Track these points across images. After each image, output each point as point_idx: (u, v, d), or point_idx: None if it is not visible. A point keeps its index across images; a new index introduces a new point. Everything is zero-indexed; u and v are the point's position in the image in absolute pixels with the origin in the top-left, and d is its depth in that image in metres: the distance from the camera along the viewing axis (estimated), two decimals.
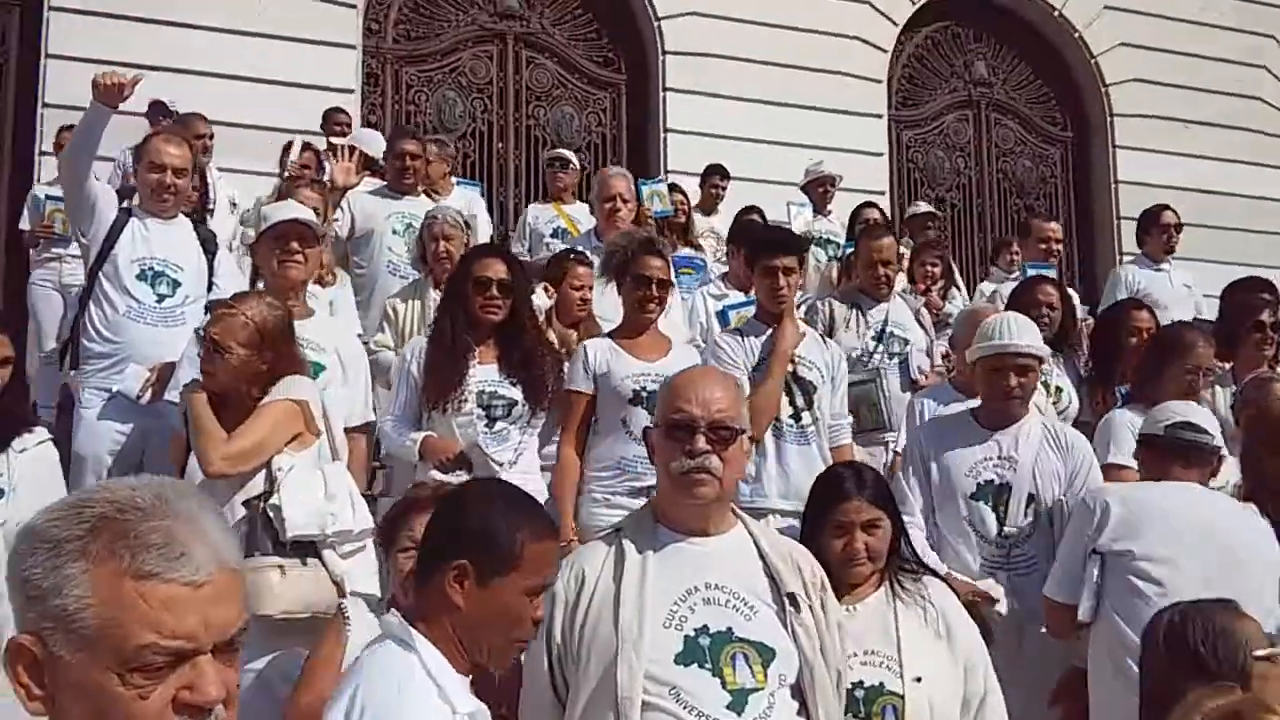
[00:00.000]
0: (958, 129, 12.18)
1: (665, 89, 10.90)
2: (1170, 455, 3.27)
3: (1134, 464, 3.83)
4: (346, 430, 3.54)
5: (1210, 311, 6.99)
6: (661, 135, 10.86)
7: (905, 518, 3.28)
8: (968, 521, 3.48)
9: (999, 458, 3.51)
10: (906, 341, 4.89)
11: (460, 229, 4.65)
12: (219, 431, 2.92)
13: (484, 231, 6.03)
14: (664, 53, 10.93)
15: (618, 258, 3.94)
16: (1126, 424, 3.93)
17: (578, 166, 7.31)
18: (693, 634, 2.15)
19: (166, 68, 8.88)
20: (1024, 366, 3.54)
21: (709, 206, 7.80)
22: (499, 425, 3.64)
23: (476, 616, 1.88)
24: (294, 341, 3.15)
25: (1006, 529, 3.46)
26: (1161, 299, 6.53)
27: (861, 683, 2.53)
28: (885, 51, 11.68)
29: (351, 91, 9.88)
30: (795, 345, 3.96)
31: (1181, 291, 6.78)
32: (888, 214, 11.17)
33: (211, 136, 6.28)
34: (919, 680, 2.53)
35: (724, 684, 2.10)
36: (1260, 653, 2.32)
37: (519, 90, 10.70)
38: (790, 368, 3.95)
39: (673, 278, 4.09)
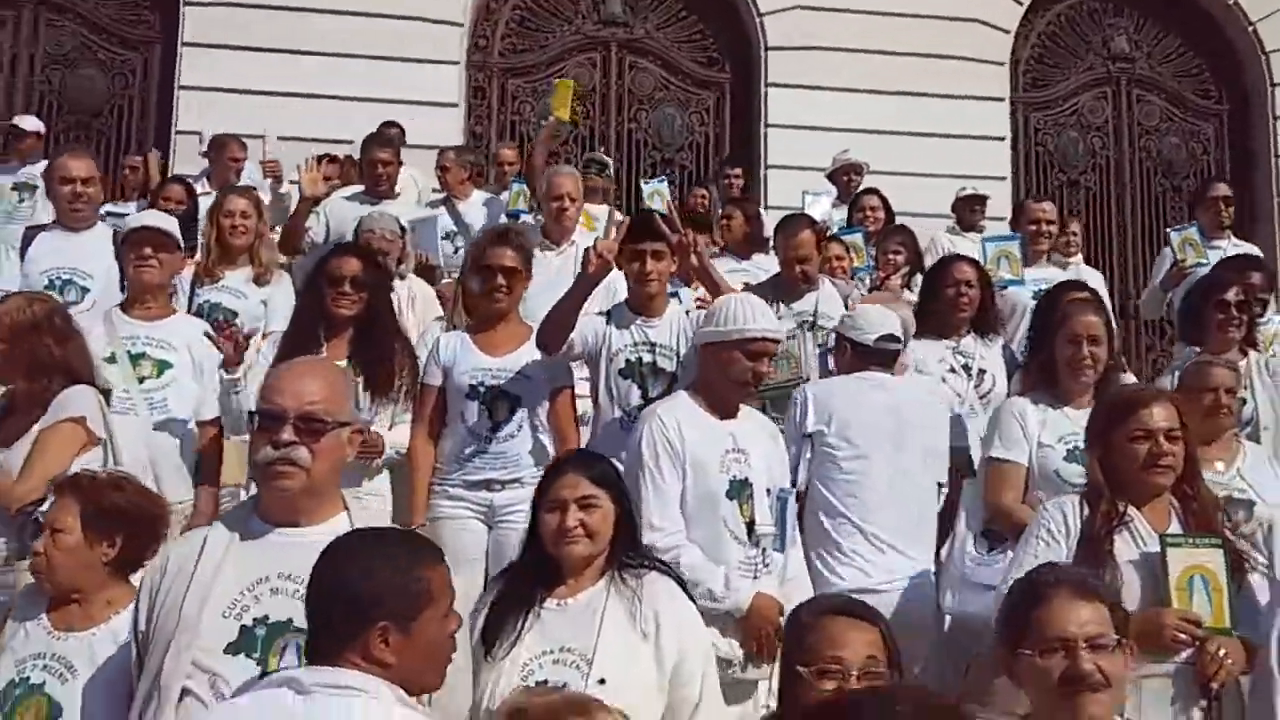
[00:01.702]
0: (1094, 108, 11.49)
1: (767, 84, 10.85)
2: (871, 358, 3.93)
3: (1018, 459, 3.67)
4: (199, 423, 3.87)
5: None
6: (762, 131, 10.81)
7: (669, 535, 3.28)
8: (724, 522, 3.33)
9: (735, 450, 3.38)
10: (829, 331, 4.78)
11: (397, 237, 4.89)
12: (3, 480, 3.15)
13: None
14: (766, 48, 10.87)
15: (474, 250, 4.07)
16: (1015, 415, 3.75)
17: (612, 172, 7.43)
18: (250, 624, 2.20)
19: (276, 92, 9.73)
20: (757, 352, 3.40)
21: (727, 199, 7.73)
22: None
23: (410, 664, 1.90)
24: (63, 338, 3.35)
25: (760, 528, 3.35)
26: None
27: (546, 682, 2.46)
28: (1007, 33, 11.16)
29: (456, 105, 10.39)
30: (599, 279, 3.89)
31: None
32: (1008, 200, 10.81)
33: (244, 159, 6.74)
34: (603, 682, 2.42)
35: (265, 673, 2.12)
36: None
37: (621, 95, 10.90)
38: (650, 357, 3.96)
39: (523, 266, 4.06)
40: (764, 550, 3.36)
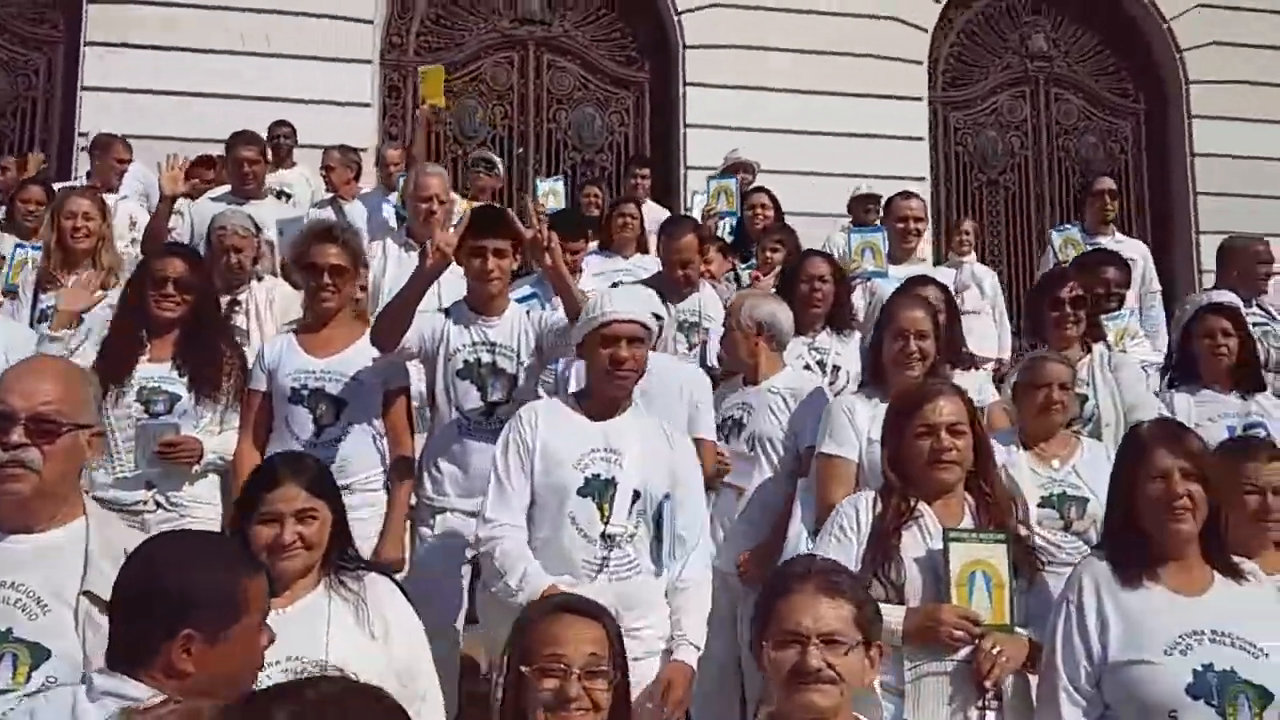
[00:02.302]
0: (1013, 107, 11.54)
1: (686, 83, 10.81)
2: None
3: (848, 455, 3.63)
4: None
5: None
6: (681, 130, 10.77)
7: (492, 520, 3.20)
8: (572, 519, 3.19)
9: (606, 449, 3.26)
10: (706, 331, 4.74)
11: (251, 235, 4.79)
12: None
13: None
14: (685, 46, 10.83)
15: (296, 248, 3.97)
16: (844, 411, 3.71)
17: (501, 170, 7.35)
18: None
19: (184, 92, 9.58)
20: (633, 337, 3.24)
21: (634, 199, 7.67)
22: (166, 420, 3.73)
23: (211, 675, 1.83)
24: None
25: (609, 528, 3.19)
26: None
27: None
28: (925, 31, 11.19)
29: (369, 105, 10.27)
30: (436, 273, 3.78)
31: None
32: (925, 199, 10.84)
33: (130, 160, 6.59)
34: None
35: None
36: None
37: (540, 95, 10.82)
38: (490, 358, 3.88)
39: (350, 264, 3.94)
40: (626, 552, 3.18)
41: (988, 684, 2.59)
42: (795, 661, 2.04)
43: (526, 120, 10.80)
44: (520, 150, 10.79)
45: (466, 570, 3.82)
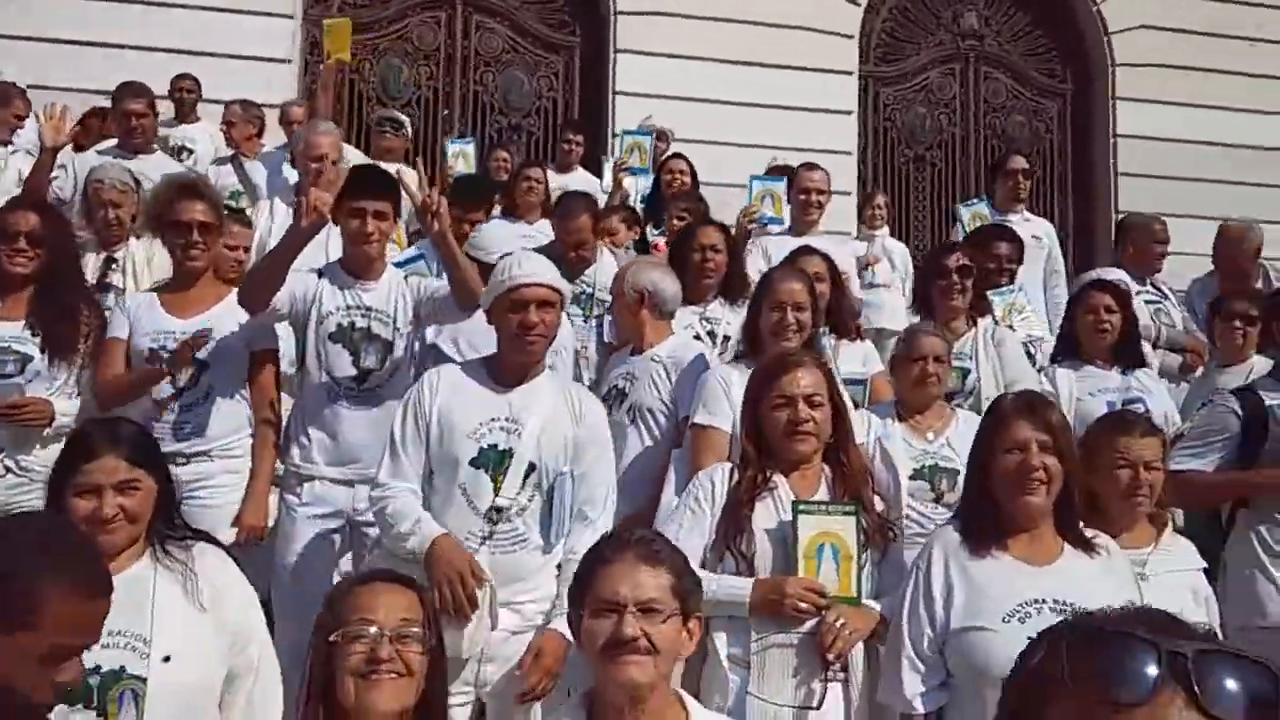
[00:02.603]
0: (942, 84, 11.58)
1: (617, 50, 10.69)
2: None
3: (721, 425, 3.59)
4: None
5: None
6: (611, 97, 10.66)
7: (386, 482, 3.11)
8: (462, 489, 3.06)
9: (506, 419, 3.09)
10: (604, 303, 4.68)
11: (130, 190, 4.63)
12: None
13: None
14: (616, 12, 10.70)
15: (157, 205, 3.84)
16: (719, 381, 3.66)
17: (409, 131, 7.20)
18: None
19: (100, 43, 9.29)
20: (543, 300, 3.11)
21: (565, 165, 7.59)
22: (12, 380, 3.61)
23: None
24: None
25: (499, 500, 3.06)
26: None
27: (99, 668, 2.23)
28: (858, 5, 11.16)
29: (289, 61, 10.05)
30: (312, 234, 3.65)
31: (1029, 243, 6.25)
32: (852, 172, 10.87)
33: (27, 114, 6.34)
34: (167, 660, 2.27)
35: None
36: None
37: (467, 55, 10.65)
38: (365, 322, 3.80)
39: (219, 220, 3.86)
40: (514, 525, 3.05)
41: (830, 655, 2.58)
42: (611, 631, 2.00)
43: (453, 81, 10.63)
44: (445, 112, 10.63)
45: (337, 539, 3.72)
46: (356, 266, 3.85)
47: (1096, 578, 2.56)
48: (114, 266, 4.52)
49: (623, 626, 1.99)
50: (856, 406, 3.81)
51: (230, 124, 6.39)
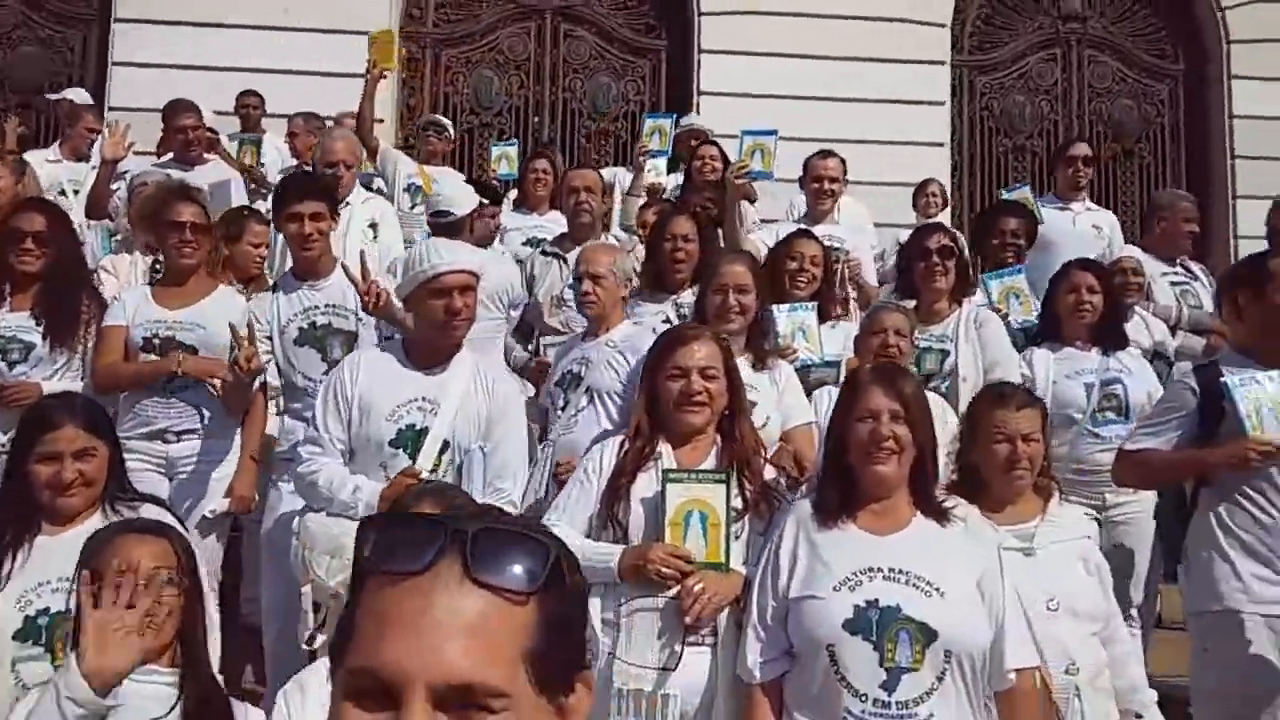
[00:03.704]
0: (1042, 70, 11.23)
1: (701, 51, 10.78)
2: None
3: None
4: None
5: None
6: (696, 98, 10.75)
7: (310, 458, 3.31)
8: (382, 468, 3.25)
9: (424, 399, 3.28)
10: None
11: None
12: None
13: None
14: (700, 13, 10.79)
15: (152, 206, 4.12)
16: None
17: (451, 134, 7.46)
18: None
19: (206, 66, 9.92)
20: (464, 286, 3.27)
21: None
22: (17, 369, 3.94)
23: None
24: None
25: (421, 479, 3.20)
26: (1057, 239, 5.93)
27: (48, 609, 2.53)
28: None
29: (385, 77, 10.46)
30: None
31: (1087, 233, 6.07)
32: (952, 164, 10.65)
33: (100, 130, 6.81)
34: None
35: None
36: None
37: (555, 64, 10.92)
38: (325, 319, 4.03)
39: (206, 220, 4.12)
40: None
41: (688, 619, 2.63)
42: None
43: (542, 89, 10.91)
44: (536, 119, 10.92)
45: None
46: (305, 269, 4.07)
47: (943, 546, 2.54)
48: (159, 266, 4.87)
49: None
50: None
51: (293, 134, 6.76)
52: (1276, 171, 10.33)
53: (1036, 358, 4.32)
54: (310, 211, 3.97)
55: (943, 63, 10.90)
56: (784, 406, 3.58)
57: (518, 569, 0.92)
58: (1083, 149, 6.48)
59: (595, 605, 2.73)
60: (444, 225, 4.67)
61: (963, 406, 4.02)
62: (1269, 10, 10.79)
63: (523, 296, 5.04)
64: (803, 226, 4.85)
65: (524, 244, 5.82)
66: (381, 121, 10.12)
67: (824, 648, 2.43)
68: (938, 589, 2.45)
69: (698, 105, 10.71)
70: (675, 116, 7.53)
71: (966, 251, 6.88)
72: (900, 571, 2.46)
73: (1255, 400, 3.31)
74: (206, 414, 3.95)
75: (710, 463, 2.87)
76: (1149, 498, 4.17)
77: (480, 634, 0.90)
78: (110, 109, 10.09)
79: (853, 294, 5.06)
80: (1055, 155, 6.60)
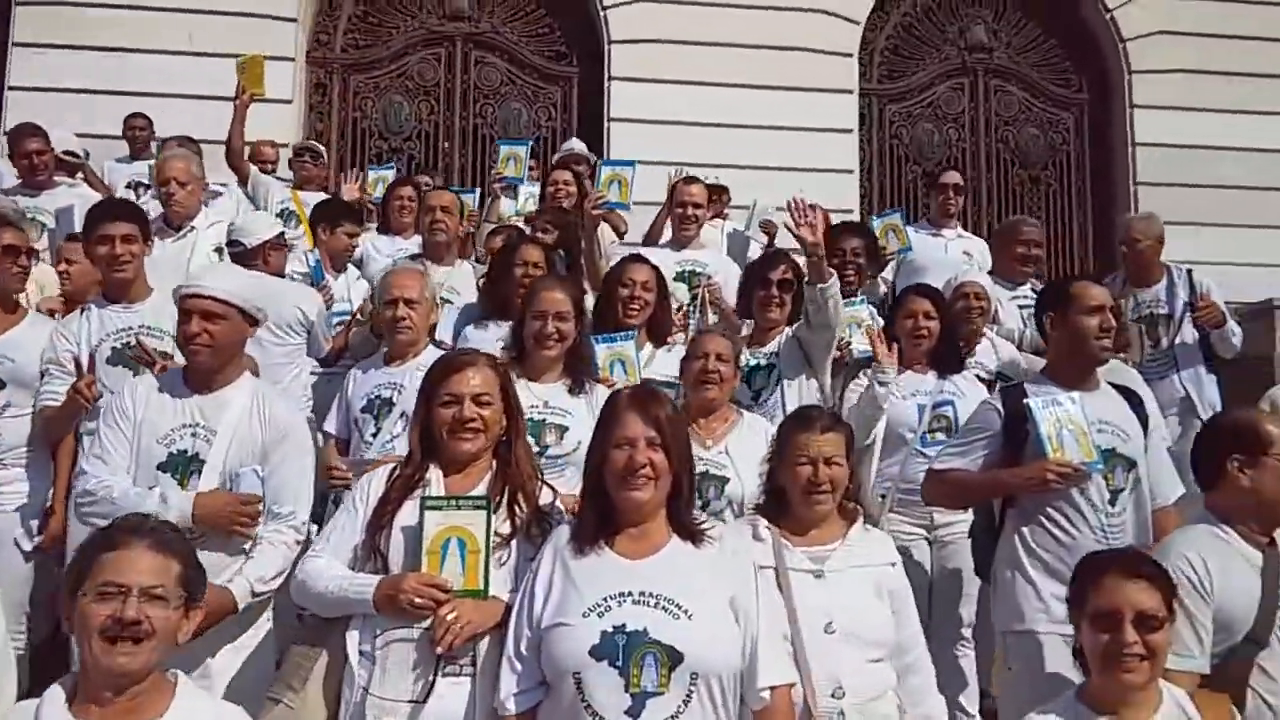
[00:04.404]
0: (950, 99, 11.37)
1: (611, 78, 10.81)
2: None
3: None
4: None
5: None
6: (607, 124, 10.77)
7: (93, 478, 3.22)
8: (150, 489, 3.17)
9: (196, 424, 3.24)
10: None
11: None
12: None
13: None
14: (610, 41, 10.82)
15: None
16: None
17: (326, 161, 7.44)
18: None
19: (109, 91, 9.79)
20: (206, 311, 3.22)
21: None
22: None
23: None
24: None
25: None
26: (928, 264, 5.98)
27: None
28: (857, 24, 11.06)
29: (289, 102, 10.40)
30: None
31: (958, 259, 6.13)
32: (861, 192, 10.72)
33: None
34: None
35: None
36: None
37: (466, 90, 10.90)
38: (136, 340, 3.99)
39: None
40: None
41: (439, 649, 2.56)
42: (110, 612, 2.07)
43: (453, 115, 10.88)
44: (446, 145, 10.88)
45: None
46: (118, 292, 4.02)
47: (696, 568, 2.51)
48: None
49: (125, 609, 2.05)
50: None
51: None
52: (1178, 197, 10.52)
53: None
54: (121, 234, 3.93)
55: (850, 91, 10.99)
56: None
57: None
58: (953, 177, 6.56)
59: (354, 638, 2.66)
60: (236, 254, 4.70)
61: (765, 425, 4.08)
62: (1171, 41, 11.00)
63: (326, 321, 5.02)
64: (636, 252, 4.84)
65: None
66: (286, 146, 10.09)
67: (570, 675, 2.38)
68: (686, 611, 2.41)
69: (608, 131, 10.74)
70: (530, 143, 7.50)
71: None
72: (650, 595, 2.42)
73: (1056, 421, 3.32)
74: (22, 445, 3.86)
75: (480, 489, 2.81)
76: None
77: None
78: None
79: (713, 318, 5.05)
80: (928, 183, 6.68)
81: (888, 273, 6.02)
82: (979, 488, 3.48)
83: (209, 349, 3.24)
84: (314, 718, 2.64)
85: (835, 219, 7.30)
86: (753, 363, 4.31)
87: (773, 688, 2.52)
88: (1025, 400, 3.34)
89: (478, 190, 8.14)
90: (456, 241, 5.38)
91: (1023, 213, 11.17)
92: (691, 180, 5.68)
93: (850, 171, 10.87)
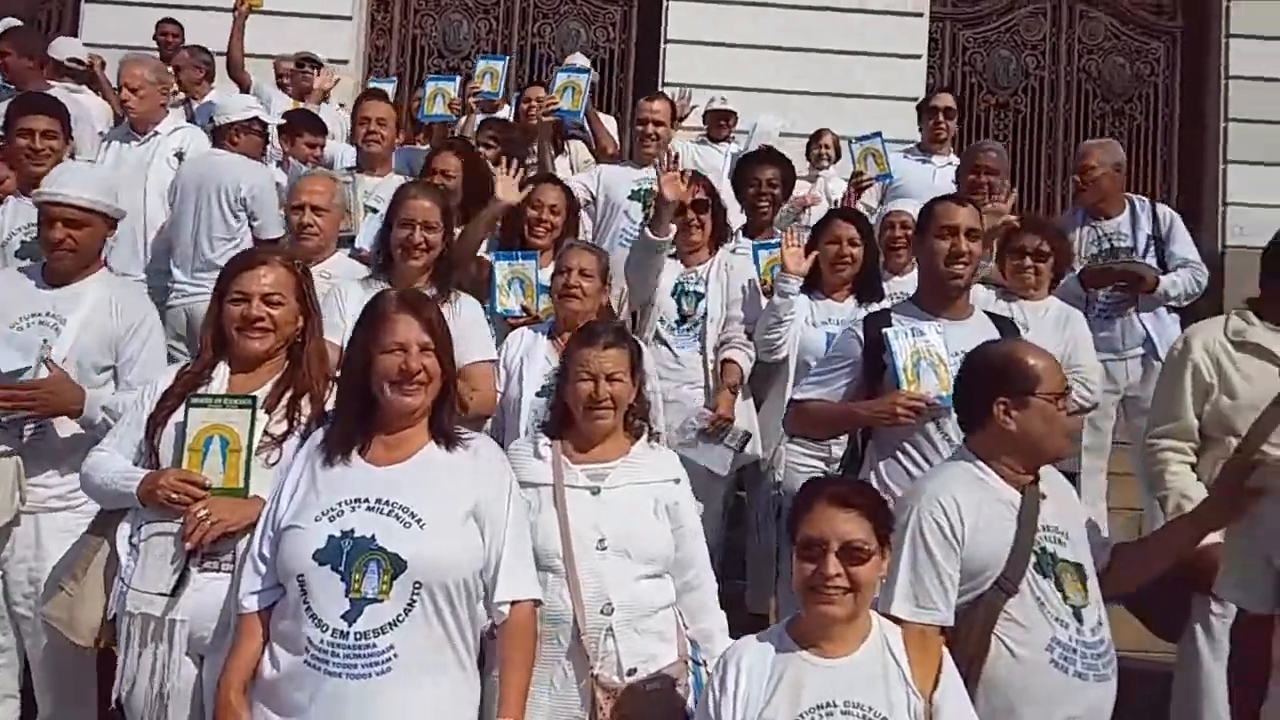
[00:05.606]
0: (1030, 25, 10.74)
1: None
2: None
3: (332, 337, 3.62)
4: None
5: None
6: (663, 46, 10.54)
7: None
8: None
9: (49, 314, 3.28)
10: None
11: None
12: None
13: None
14: None
15: None
16: (336, 295, 3.70)
17: (330, 71, 7.42)
18: None
19: (159, 4, 10.00)
20: (70, 219, 3.27)
21: None
22: None
23: None
24: None
25: None
26: (914, 191, 5.69)
27: None
28: None
29: (349, 19, 10.47)
30: None
31: (944, 186, 5.79)
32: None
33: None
34: None
35: None
36: None
37: (525, 8, 10.79)
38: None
39: None
40: None
41: (188, 545, 2.57)
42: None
43: (510, 34, 10.80)
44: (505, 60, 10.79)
45: None
46: (34, 186, 4.01)
47: (443, 476, 2.46)
48: None
49: None
50: None
51: (177, 68, 6.76)
52: (1270, 135, 9.80)
53: (799, 305, 4.16)
54: (41, 128, 3.99)
55: (920, 15, 10.49)
56: (461, 342, 3.48)
57: None
58: (945, 100, 6.24)
59: (124, 530, 2.71)
60: (210, 132, 4.74)
61: (709, 347, 3.99)
62: None
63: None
64: (550, 173, 4.76)
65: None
66: (346, 62, 10.19)
67: (295, 577, 2.37)
68: (418, 519, 2.37)
69: (665, 54, 10.52)
70: (508, 59, 7.35)
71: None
72: (385, 502, 2.39)
73: (915, 352, 3.12)
74: None
75: (267, 389, 2.80)
76: None
77: None
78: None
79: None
80: (919, 107, 6.34)
81: (872, 200, 5.75)
82: (835, 420, 3.31)
83: (73, 254, 3.33)
84: (91, 605, 2.69)
85: (896, 150, 7.06)
86: (683, 287, 4.33)
87: (513, 602, 2.46)
88: (886, 330, 3.14)
89: (458, 78, 8.05)
90: (390, 153, 5.33)
91: None
92: (654, 96, 5.51)
93: (915, 99, 10.38)
